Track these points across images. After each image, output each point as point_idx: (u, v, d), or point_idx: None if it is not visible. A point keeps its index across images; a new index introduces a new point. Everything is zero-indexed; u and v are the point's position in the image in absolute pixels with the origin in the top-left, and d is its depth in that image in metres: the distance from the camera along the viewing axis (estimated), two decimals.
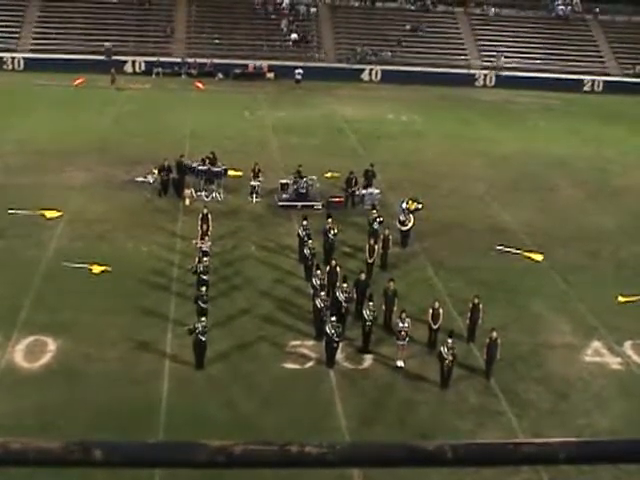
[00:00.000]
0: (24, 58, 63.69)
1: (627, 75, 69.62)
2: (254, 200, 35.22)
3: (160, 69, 63.93)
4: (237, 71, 64.60)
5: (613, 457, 2.94)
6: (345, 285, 24.75)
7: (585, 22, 73.95)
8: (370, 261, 28.09)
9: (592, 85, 68.52)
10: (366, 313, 23.52)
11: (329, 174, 38.06)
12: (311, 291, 25.59)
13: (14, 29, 66.15)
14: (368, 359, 23.34)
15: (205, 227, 29.17)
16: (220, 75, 63.98)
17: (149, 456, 2.81)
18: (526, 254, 31.28)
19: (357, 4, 72.89)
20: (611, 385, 22.93)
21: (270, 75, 64.98)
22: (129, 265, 28.19)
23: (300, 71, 62.81)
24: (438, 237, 32.61)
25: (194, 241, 28.90)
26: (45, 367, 22.05)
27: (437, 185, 39.11)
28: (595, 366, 23.96)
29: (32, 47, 64.85)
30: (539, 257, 31.07)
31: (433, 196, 36.47)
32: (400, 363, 23.01)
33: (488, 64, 68.13)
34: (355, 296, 24.91)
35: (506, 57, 68.93)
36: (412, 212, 31.90)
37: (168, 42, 67.19)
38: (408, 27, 70.56)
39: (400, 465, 2.82)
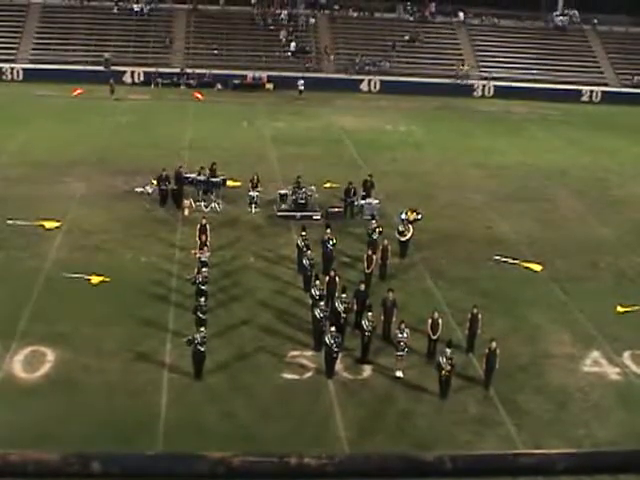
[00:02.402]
0: (23, 69, 63.76)
1: (625, 85, 69.74)
2: (253, 210, 35.21)
3: (159, 80, 63.99)
4: (236, 82, 64.65)
5: (612, 468, 2.94)
6: (344, 295, 24.73)
7: (583, 33, 74.12)
8: (369, 271, 28.07)
9: (590, 95, 68.61)
10: (365, 323, 23.48)
11: (328, 184, 38.08)
12: (310, 301, 25.56)
13: (13, 40, 66.24)
14: (367, 369, 23.30)
15: (204, 238, 29.14)
16: (219, 86, 64.04)
17: (148, 468, 2.80)
18: (524, 264, 31.28)
19: (356, 14, 73.05)
20: (610, 395, 22.90)
21: (269, 86, 65.05)
22: (128, 276, 28.18)
23: (302, 82, 62.89)
24: (437, 247, 32.61)
25: (193, 251, 28.89)
26: (44, 378, 22.00)
27: (436, 195, 39.13)
28: (594, 376, 23.92)
29: (31, 57, 64.94)
30: (538, 267, 31.07)
31: (432, 206, 36.49)
32: (399, 373, 22.98)
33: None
34: (355, 306, 24.90)
35: (504, 67, 69.08)
36: (411, 222, 31.91)
37: (167, 53, 67.28)
38: (407, 37, 70.71)
39: (399, 476, 2.82)
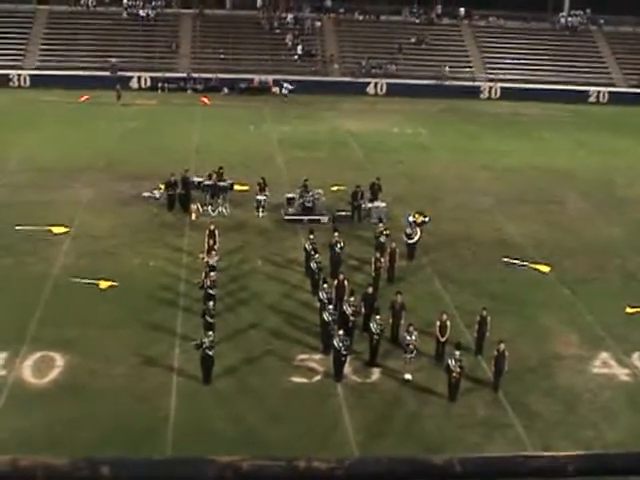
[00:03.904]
0: (30, 75, 63.94)
1: (632, 86, 69.62)
2: (260, 214, 35.23)
3: (166, 84, 64.12)
4: (242, 86, 64.76)
5: (622, 470, 2.93)
6: (352, 299, 24.72)
7: (590, 33, 74.02)
8: (376, 274, 28.04)
9: (597, 96, 68.50)
10: (373, 326, 23.47)
11: (335, 188, 38.07)
12: (318, 305, 25.56)
13: (20, 46, 66.44)
14: (376, 372, 23.29)
15: (212, 242, 29.16)
16: (226, 90, 64.14)
17: (157, 472, 2.81)
18: (533, 266, 31.23)
19: (361, 18, 73.07)
20: (619, 397, 22.84)
21: (275, 89, 65.15)
22: (136, 280, 28.22)
23: (287, 84, 63.35)
24: (445, 250, 32.58)
25: (201, 255, 28.92)
26: (53, 383, 22.05)
27: (443, 198, 39.08)
28: (603, 377, 23.87)
29: (38, 64, 65.12)
30: (546, 269, 31.02)
31: (439, 209, 36.47)
32: (408, 376, 22.96)
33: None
34: (363, 309, 24.89)
35: (511, 69, 69.06)
36: (419, 225, 31.90)
37: (173, 57, 67.42)
38: (413, 40, 70.73)
39: (408, 479, 2.82)
